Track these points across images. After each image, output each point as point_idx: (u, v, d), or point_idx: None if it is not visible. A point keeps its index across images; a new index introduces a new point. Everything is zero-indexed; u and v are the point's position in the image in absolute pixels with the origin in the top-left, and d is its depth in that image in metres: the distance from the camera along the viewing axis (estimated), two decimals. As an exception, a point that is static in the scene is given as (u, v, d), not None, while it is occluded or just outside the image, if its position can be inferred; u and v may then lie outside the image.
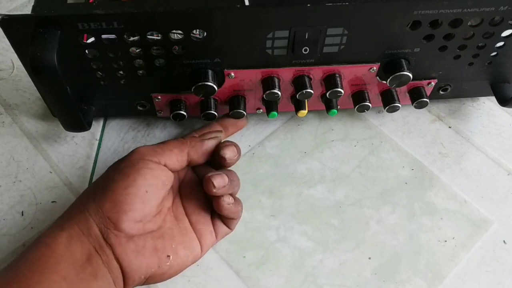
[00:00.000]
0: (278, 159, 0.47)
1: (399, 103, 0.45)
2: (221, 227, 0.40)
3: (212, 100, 0.44)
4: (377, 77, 0.44)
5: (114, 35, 0.37)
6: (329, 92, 0.43)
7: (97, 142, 0.48)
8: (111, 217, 0.34)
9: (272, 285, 0.40)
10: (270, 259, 0.42)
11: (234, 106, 0.44)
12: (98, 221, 0.34)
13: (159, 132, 0.49)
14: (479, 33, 0.40)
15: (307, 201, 0.45)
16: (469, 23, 0.39)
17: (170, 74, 0.41)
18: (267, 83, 0.42)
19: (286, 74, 0.42)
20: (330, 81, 0.43)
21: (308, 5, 0.36)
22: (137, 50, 0.38)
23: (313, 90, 0.42)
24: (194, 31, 0.38)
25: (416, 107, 0.46)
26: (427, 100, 0.45)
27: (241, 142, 0.48)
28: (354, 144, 0.49)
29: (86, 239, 0.34)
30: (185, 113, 0.44)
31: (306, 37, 0.39)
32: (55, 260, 0.32)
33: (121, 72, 0.41)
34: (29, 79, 0.44)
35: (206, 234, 0.39)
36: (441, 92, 0.48)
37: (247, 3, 0.36)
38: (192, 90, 0.41)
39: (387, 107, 0.46)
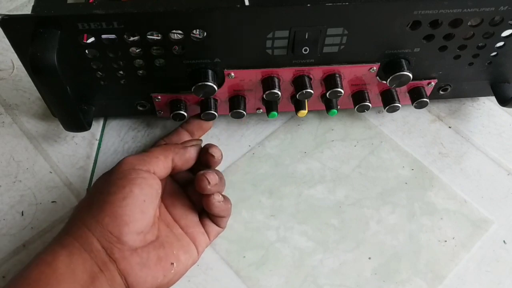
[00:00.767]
0: (278, 159, 0.47)
1: (399, 103, 0.45)
2: (212, 227, 0.40)
3: (212, 100, 0.44)
4: (377, 77, 0.44)
5: (114, 35, 0.37)
6: (329, 92, 0.43)
7: (97, 142, 0.48)
8: (113, 231, 0.34)
9: (272, 285, 0.40)
10: (270, 259, 0.42)
11: (234, 106, 0.44)
12: (99, 236, 0.34)
13: (159, 132, 0.49)
14: (479, 33, 0.40)
15: (307, 201, 0.45)
16: (469, 23, 0.39)
17: (170, 74, 0.41)
18: (267, 83, 0.42)
19: (286, 74, 0.42)
20: (330, 81, 0.43)
21: (308, 5, 0.36)
22: (137, 50, 0.38)
23: (313, 90, 0.42)
24: (194, 31, 0.38)
25: (416, 107, 0.46)
26: (427, 100, 0.45)
27: (241, 142, 0.48)
28: (354, 144, 0.49)
29: (88, 255, 0.33)
30: (185, 113, 0.44)
31: (306, 37, 0.39)
32: (56, 280, 0.32)
33: (121, 72, 0.41)
34: (29, 79, 0.44)
35: (198, 236, 0.39)
36: (441, 92, 0.48)
37: (247, 3, 0.36)
38: (192, 90, 0.41)
39: (387, 107, 0.46)
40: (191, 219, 0.40)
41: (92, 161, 0.47)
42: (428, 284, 0.41)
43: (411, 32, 0.39)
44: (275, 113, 0.45)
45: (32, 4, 0.36)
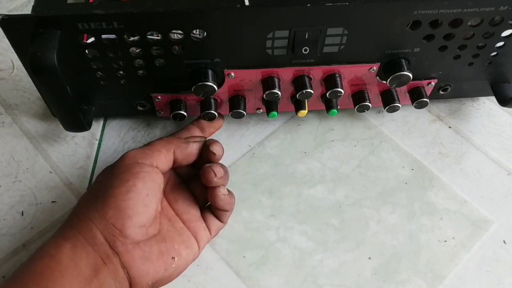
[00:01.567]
0: (278, 159, 0.47)
1: (399, 103, 0.45)
2: (214, 221, 0.41)
3: (212, 100, 0.44)
4: (377, 77, 0.44)
5: (114, 35, 0.37)
6: (329, 92, 0.43)
7: (97, 142, 0.48)
8: (116, 224, 0.34)
9: (272, 285, 0.40)
10: (270, 259, 0.42)
11: (234, 106, 0.44)
12: (102, 229, 0.34)
13: (159, 132, 0.49)
14: (479, 33, 0.40)
15: (307, 201, 0.45)
16: (469, 23, 0.39)
17: (170, 74, 0.41)
18: (267, 83, 0.42)
19: (286, 74, 0.42)
20: (330, 81, 0.43)
21: (308, 5, 0.36)
22: (137, 50, 0.38)
23: (313, 90, 0.42)
24: (194, 31, 0.38)
25: (416, 107, 0.46)
26: (427, 100, 0.45)
27: (241, 142, 0.48)
28: (354, 144, 0.49)
29: (91, 248, 0.33)
30: (185, 113, 0.44)
31: (306, 37, 0.39)
32: (60, 273, 0.32)
33: (121, 72, 0.41)
34: (29, 79, 0.44)
35: (200, 231, 0.39)
36: (441, 92, 0.48)
37: (247, 3, 0.36)
38: (192, 90, 0.41)
39: (387, 107, 0.46)
40: (193, 213, 0.40)
41: (92, 161, 0.47)
42: (428, 284, 0.41)
43: (411, 32, 0.39)
44: (275, 113, 0.45)
45: (32, 4, 0.36)
